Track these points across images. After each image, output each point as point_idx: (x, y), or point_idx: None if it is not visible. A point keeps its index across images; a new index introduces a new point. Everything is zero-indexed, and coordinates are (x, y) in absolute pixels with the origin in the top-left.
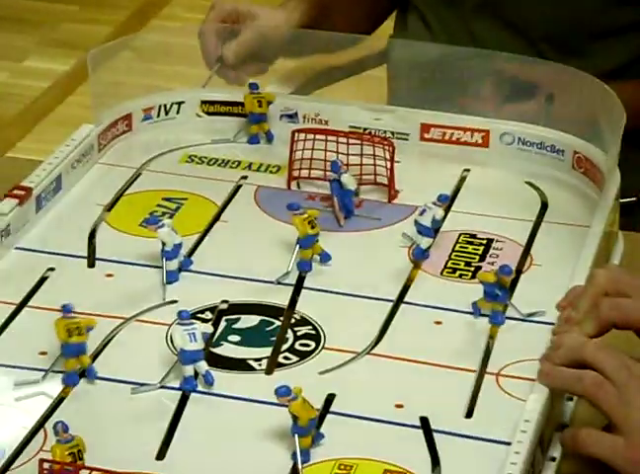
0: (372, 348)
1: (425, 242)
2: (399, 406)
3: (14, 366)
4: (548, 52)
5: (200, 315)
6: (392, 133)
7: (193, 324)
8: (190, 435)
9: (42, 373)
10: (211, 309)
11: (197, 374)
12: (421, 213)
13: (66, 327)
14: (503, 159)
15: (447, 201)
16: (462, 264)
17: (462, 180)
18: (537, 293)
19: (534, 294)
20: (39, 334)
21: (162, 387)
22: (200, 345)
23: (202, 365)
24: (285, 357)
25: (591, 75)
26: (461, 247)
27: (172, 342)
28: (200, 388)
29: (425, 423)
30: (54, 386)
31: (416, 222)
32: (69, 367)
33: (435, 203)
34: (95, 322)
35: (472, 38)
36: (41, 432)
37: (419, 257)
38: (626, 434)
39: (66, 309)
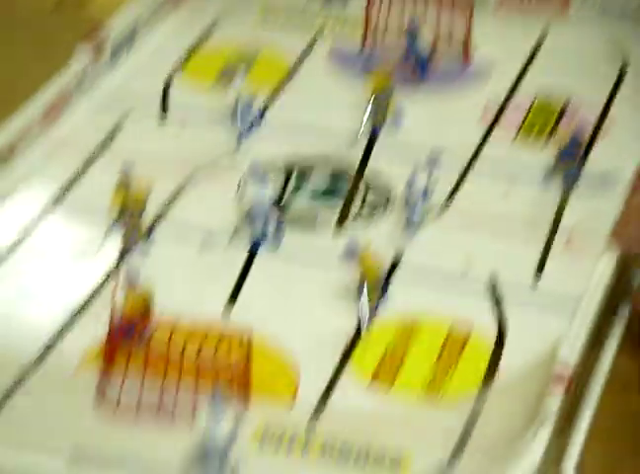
0: (445, 206)
1: (419, 208)
2: (467, 264)
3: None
4: None
5: (271, 170)
6: None
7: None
8: (257, 289)
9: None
10: (283, 164)
11: (266, 231)
12: (412, 179)
13: (122, 193)
14: (585, 18)
15: (438, 163)
16: (537, 127)
17: (540, 41)
18: (612, 157)
19: (609, 158)
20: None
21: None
22: (269, 196)
23: (271, 222)
24: (356, 214)
25: None
26: (537, 109)
27: (241, 198)
28: (269, 244)
29: (492, 283)
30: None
31: (408, 186)
32: (126, 237)
33: (428, 163)
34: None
35: None
36: (112, 281)
37: (413, 224)
38: None
39: (125, 169)
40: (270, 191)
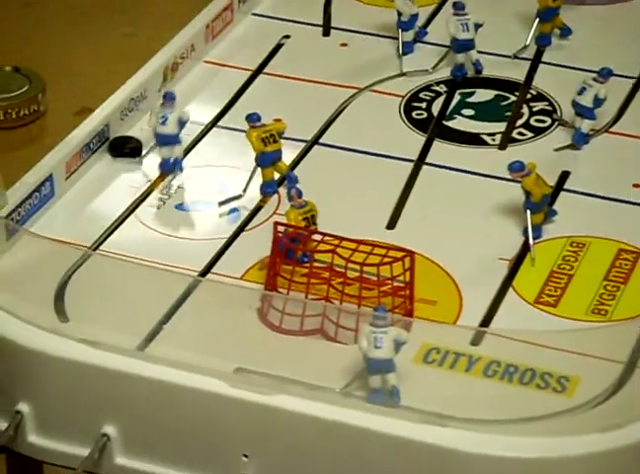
0: (612, 125)
1: (586, 125)
2: (637, 185)
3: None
4: None
5: (434, 87)
6: None
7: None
8: (421, 206)
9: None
10: (445, 82)
11: None
12: (580, 92)
13: (259, 137)
14: None
15: (610, 77)
16: None
17: None
18: None
19: None
20: (273, 102)
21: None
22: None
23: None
24: (520, 133)
25: None
26: None
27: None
28: (430, 160)
29: None
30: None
31: (574, 103)
32: (267, 178)
33: (596, 79)
34: (285, 126)
35: None
36: (276, 195)
37: (579, 141)
38: None
39: (252, 118)
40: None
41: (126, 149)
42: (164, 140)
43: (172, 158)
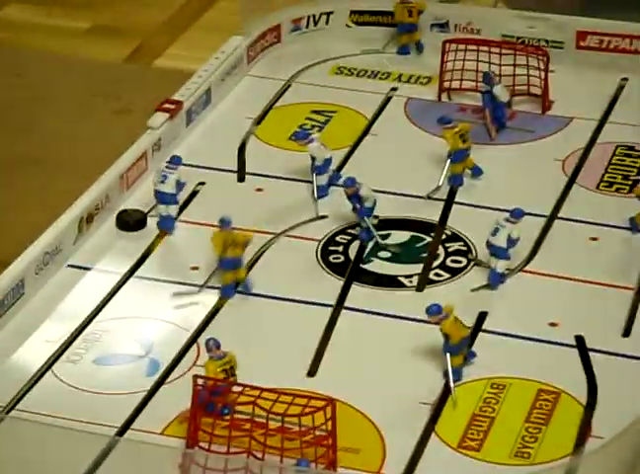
0: (525, 264)
1: (501, 265)
2: (553, 324)
3: (169, 281)
4: None
5: (349, 230)
6: (547, 42)
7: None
8: (340, 353)
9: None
10: (360, 225)
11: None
12: (493, 233)
13: (223, 240)
14: None
15: (522, 217)
16: (619, 177)
17: (619, 89)
18: None
19: None
20: (190, 248)
21: (314, 304)
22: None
23: None
24: (436, 274)
25: None
26: (618, 160)
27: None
28: (348, 305)
29: (580, 342)
30: (210, 298)
31: (488, 244)
32: (226, 281)
33: (508, 220)
34: (252, 236)
35: None
36: (195, 346)
37: (495, 281)
38: None
39: (225, 223)
40: None
41: (132, 222)
42: (162, 198)
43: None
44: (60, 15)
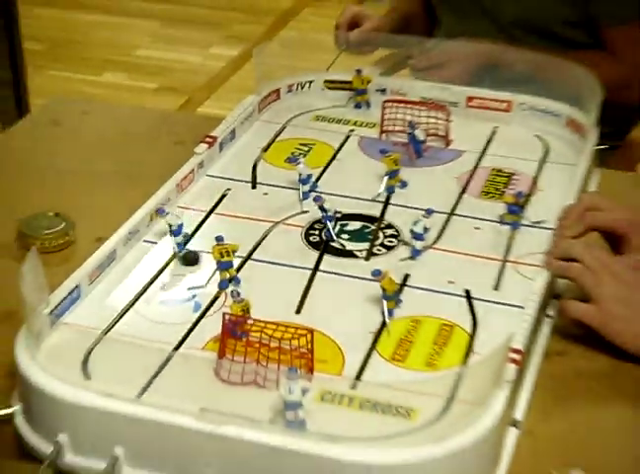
0: (434, 243)
1: (418, 245)
2: (451, 282)
3: (207, 252)
4: (518, 34)
5: (323, 221)
6: (448, 102)
7: None
8: (316, 300)
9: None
10: (330, 218)
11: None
12: (414, 224)
13: (219, 251)
14: (520, 119)
15: (432, 214)
16: (493, 189)
17: (493, 133)
18: (542, 210)
19: (540, 210)
20: (222, 231)
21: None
22: None
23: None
24: (378, 249)
25: (573, 62)
26: (492, 177)
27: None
28: (322, 268)
29: (468, 294)
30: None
31: (411, 231)
32: (223, 277)
33: (424, 215)
34: (238, 247)
35: (469, 34)
36: (223, 295)
37: (415, 254)
38: (597, 303)
39: (219, 239)
40: None
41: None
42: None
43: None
44: (138, 79)
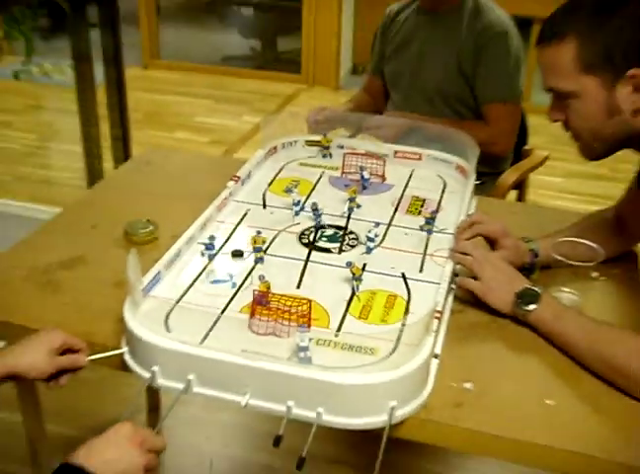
0: (380, 243)
1: (371, 244)
2: (393, 268)
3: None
4: (438, 102)
5: (310, 230)
6: (382, 154)
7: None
8: (309, 280)
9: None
10: (314, 229)
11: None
12: (369, 231)
13: (254, 239)
14: (428, 165)
15: (379, 225)
16: (414, 209)
17: (411, 174)
18: (445, 222)
19: (444, 222)
20: (243, 242)
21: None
22: None
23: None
24: (345, 247)
25: (460, 129)
26: (413, 201)
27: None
28: (311, 259)
29: (404, 275)
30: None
31: (367, 236)
32: (256, 256)
33: (374, 226)
34: (266, 238)
35: (409, 105)
36: (249, 279)
37: (369, 251)
38: (480, 280)
39: (259, 232)
40: None
41: (240, 254)
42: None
43: None
44: (198, 136)
